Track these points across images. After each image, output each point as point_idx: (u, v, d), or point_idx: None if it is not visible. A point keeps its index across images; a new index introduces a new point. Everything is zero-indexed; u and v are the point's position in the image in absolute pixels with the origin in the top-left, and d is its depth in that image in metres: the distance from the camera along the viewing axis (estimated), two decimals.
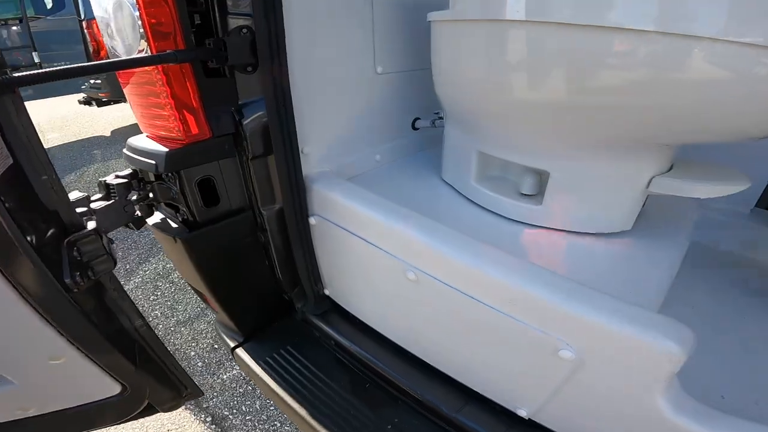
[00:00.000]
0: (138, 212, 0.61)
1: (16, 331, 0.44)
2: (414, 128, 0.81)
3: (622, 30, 0.41)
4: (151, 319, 1.86)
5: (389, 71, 0.74)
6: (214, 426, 1.40)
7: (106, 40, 0.60)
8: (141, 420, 1.38)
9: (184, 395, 0.65)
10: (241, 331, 0.77)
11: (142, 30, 0.50)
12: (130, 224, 0.61)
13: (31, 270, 0.40)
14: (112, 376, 0.52)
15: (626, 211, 0.58)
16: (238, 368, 1.62)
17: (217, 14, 0.54)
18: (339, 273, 0.70)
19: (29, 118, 0.42)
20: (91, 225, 0.48)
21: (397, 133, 0.80)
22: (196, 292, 0.79)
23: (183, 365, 1.55)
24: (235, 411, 1.45)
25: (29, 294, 0.42)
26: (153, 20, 0.51)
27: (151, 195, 0.63)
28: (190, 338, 1.79)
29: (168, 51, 0.50)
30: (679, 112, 0.45)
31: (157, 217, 0.67)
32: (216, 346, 1.71)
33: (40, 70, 0.43)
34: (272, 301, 0.80)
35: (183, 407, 1.43)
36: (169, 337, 1.80)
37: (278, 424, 1.39)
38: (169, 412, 1.40)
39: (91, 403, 0.53)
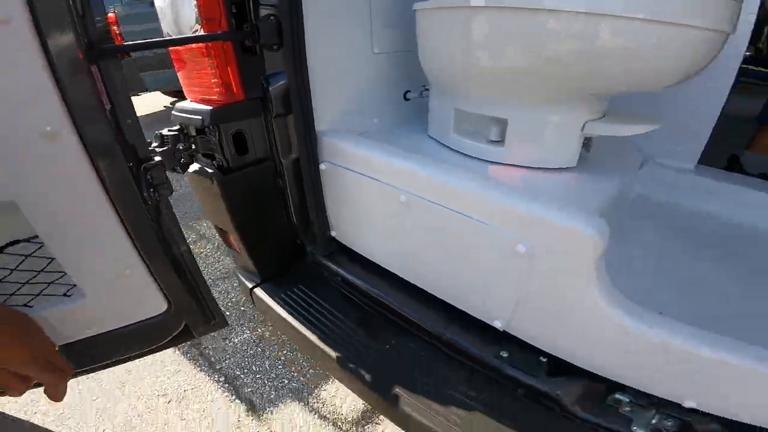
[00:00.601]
0: (183, 159, 0.78)
1: (101, 242, 0.58)
2: (405, 99, 0.98)
3: (557, 12, 0.57)
4: None
5: (384, 51, 0.91)
6: (227, 385, 1.56)
7: (163, 26, 0.79)
8: (160, 381, 1.55)
9: (212, 323, 0.77)
10: (259, 272, 0.93)
11: (197, 16, 0.68)
12: (177, 168, 0.78)
13: (125, 183, 0.56)
14: (163, 292, 0.65)
15: (569, 150, 0.74)
16: (248, 332, 1.79)
17: (251, 4, 0.72)
18: (344, 214, 0.87)
19: (123, 76, 0.59)
20: (157, 159, 0.65)
21: (392, 102, 0.97)
22: (220, 233, 0.95)
23: None
24: (246, 371, 1.62)
25: (119, 204, 0.57)
26: (205, 9, 0.69)
27: (193, 146, 0.81)
28: None
29: (219, 32, 0.68)
30: (598, 71, 0.62)
31: (195, 167, 0.84)
32: (228, 313, 1.88)
33: (130, 42, 0.61)
34: (287, 246, 0.97)
35: (196, 367, 1.59)
36: None
37: (285, 381, 1.55)
38: (185, 377, 1.56)
39: (141, 321, 0.66)
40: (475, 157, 0.80)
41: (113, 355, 0.67)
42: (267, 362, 1.67)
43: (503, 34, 0.64)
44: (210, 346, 1.78)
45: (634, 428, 0.55)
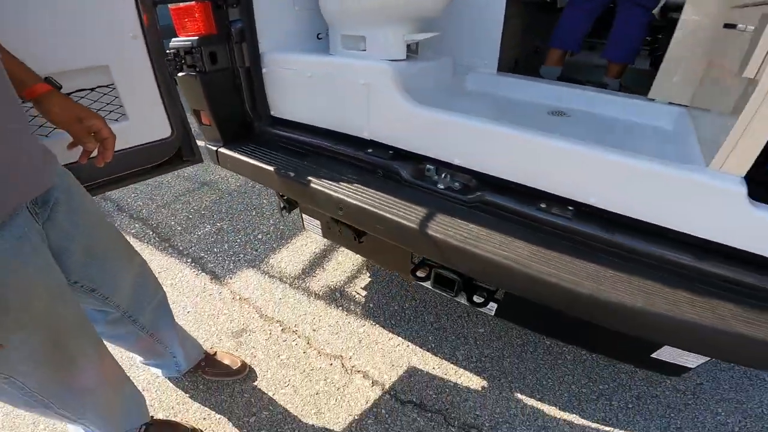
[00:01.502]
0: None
1: (144, 89, 1.14)
2: (318, 38, 1.60)
3: None
4: (134, 208, 2.63)
5: (302, 8, 1.52)
6: (193, 264, 2.12)
7: None
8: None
9: (194, 157, 1.28)
10: (222, 139, 1.48)
11: None
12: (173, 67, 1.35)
13: (159, 61, 1.13)
14: (170, 120, 1.23)
15: (399, 49, 1.37)
16: (208, 226, 2.37)
17: None
18: (278, 98, 1.46)
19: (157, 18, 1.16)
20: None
21: (309, 40, 1.58)
22: (195, 114, 1.45)
23: (167, 231, 2.41)
24: (208, 252, 2.19)
25: (156, 70, 1.14)
26: None
27: (183, 61, 1.37)
28: (169, 215, 2.54)
29: None
30: (394, 5, 1.25)
31: (182, 73, 1.40)
32: (190, 217, 2.44)
33: None
34: (241, 123, 1.51)
35: (168, 255, 2.11)
36: (152, 216, 2.54)
37: (242, 256, 2.14)
38: (158, 263, 2.09)
39: (155, 141, 1.22)
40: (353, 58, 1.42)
41: (139, 164, 1.21)
42: (226, 245, 2.26)
43: None
44: (178, 239, 2.34)
45: (439, 186, 1.16)
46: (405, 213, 1.04)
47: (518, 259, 0.88)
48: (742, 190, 0.79)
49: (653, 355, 1.05)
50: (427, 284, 1.31)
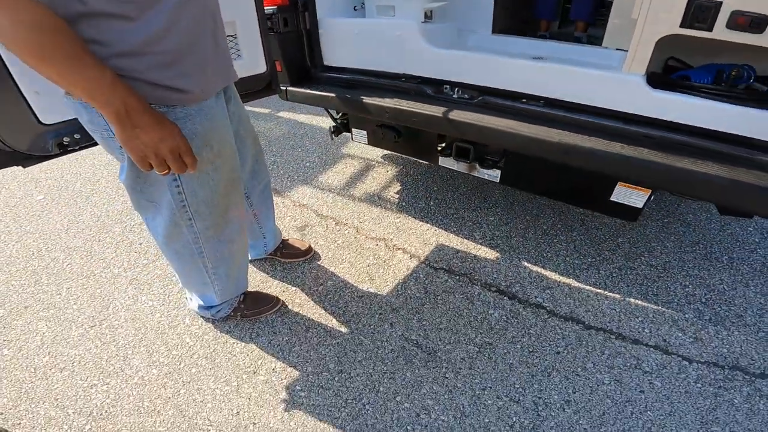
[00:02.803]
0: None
1: (254, 36, 1.68)
2: (354, 9, 2.13)
3: None
4: None
5: None
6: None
7: None
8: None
9: (279, 89, 1.86)
10: (290, 81, 2.00)
11: None
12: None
13: (261, 15, 1.66)
14: (266, 60, 1.76)
15: (419, 16, 1.89)
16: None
17: None
18: (330, 52, 1.98)
19: None
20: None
21: (348, 12, 2.11)
22: (273, 64, 2.02)
23: None
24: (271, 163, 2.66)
25: (260, 24, 1.67)
26: None
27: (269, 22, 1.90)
28: None
29: None
30: None
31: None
32: None
33: None
34: (303, 69, 2.04)
35: None
36: None
37: (296, 177, 2.68)
38: None
39: (257, 73, 1.75)
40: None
41: (250, 88, 1.73)
42: (281, 170, 2.86)
43: None
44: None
45: (454, 96, 1.69)
46: (433, 110, 1.56)
47: (515, 126, 1.41)
48: (642, 80, 1.32)
49: (612, 198, 1.55)
50: (449, 159, 1.82)
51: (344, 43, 1.93)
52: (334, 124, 2.12)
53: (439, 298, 1.79)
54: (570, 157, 1.35)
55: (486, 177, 1.80)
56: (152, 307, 1.79)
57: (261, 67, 1.72)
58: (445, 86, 1.71)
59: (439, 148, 1.85)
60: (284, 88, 1.99)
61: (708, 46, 1.43)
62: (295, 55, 1.98)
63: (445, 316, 1.70)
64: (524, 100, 1.53)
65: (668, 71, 1.66)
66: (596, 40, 2.37)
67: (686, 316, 1.66)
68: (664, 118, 1.32)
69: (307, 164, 2.81)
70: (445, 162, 1.86)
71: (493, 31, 2.23)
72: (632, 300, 1.74)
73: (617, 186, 1.48)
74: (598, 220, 2.18)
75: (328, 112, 2.15)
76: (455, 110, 1.55)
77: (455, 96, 1.67)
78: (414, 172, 2.65)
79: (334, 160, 2.84)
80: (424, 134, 1.85)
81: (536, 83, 1.51)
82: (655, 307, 1.70)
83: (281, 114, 3.68)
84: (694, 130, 1.28)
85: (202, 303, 1.58)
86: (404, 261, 1.98)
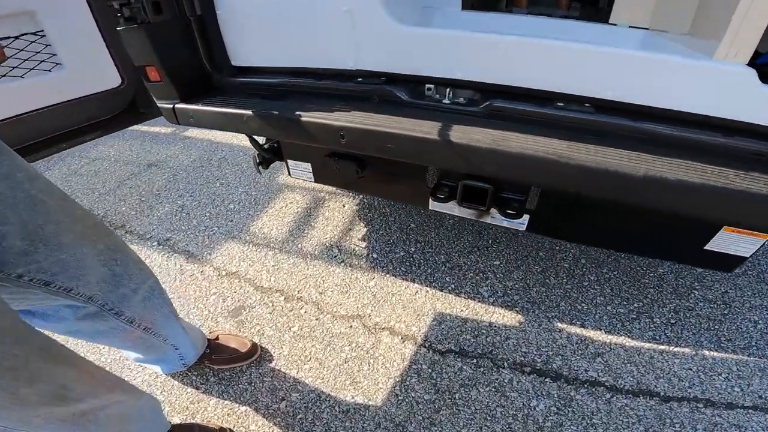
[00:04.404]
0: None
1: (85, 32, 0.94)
2: None
3: None
4: (82, 197, 2.25)
5: None
6: (160, 247, 1.86)
7: None
8: None
9: (152, 109, 1.13)
10: (178, 94, 1.23)
11: None
12: None
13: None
14: (119, 68, 1.02)
15: None
16: (168, 206, 2.12)
17: None
18: (239, 44, 1.28)
19: None
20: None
21: None
22: (143, 70, 1.18)
23: (118, 217, 2.11)
24: (175, 231, 1.95)
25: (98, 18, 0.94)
26: None
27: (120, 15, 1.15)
28: (117, 200, 2.25)
29: None
30: None
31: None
32: (143, 199, 2.17)
33: None
34: (197, 75, 1.29)
35: (126, 242, 1.86)
36: (96, 205, 2.23)
37: (216, 229, 1.92)
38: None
39: (103, 91, 1.02)
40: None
41: (84, 119, 1.01)
42: (194, 221, 2.01)
43: None
44: (134, 223, 2.05)
45: (445, 102, 1.06)
46: (418, 127, 0.94)
47: (558, 151, 0.82)
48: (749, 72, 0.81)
49: (706, 247, 1.05)
50: (451, 205, 1.21)
51: (260, 29, 1.24)
52: (260, 152, 1.41)
53: (457, 396, 1.21)
54: (667, 201, 0.80)
55: (505, 225, 1.22)
56: None
57: (111, 79, 1.00)
58: (427, 86, 1.10)
59: (432, 186, 1.22)
60: (168, 106, 1.26)
61: None
62: (181, 54, 1.25)
63: (473, 423, 1.14)
64: (560, 104, 0.96)
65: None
66: (591, 15, 1.88)
67: None
68: None
69: (231, 206, 2.04)
70: (441, 207, 1.24)
71: (464, 7, 1.65)
72: (705, 352, 1.32)
73: (721, 231, 0.97)
74: None
75: (250, 137, 1.44)
76: (455, 125, 0.94)
77: (446, 101, 1.06)
78: (380, 204, 1.99)
79: (268, 195, 2.09)
80: (404, 165, 1.22)
81: (577, 77, 0.94)
82: (735, 356, 1.30)
83: (189, 133, 2.81)
84: None
85: None
86: (395, 347, 1.35)
